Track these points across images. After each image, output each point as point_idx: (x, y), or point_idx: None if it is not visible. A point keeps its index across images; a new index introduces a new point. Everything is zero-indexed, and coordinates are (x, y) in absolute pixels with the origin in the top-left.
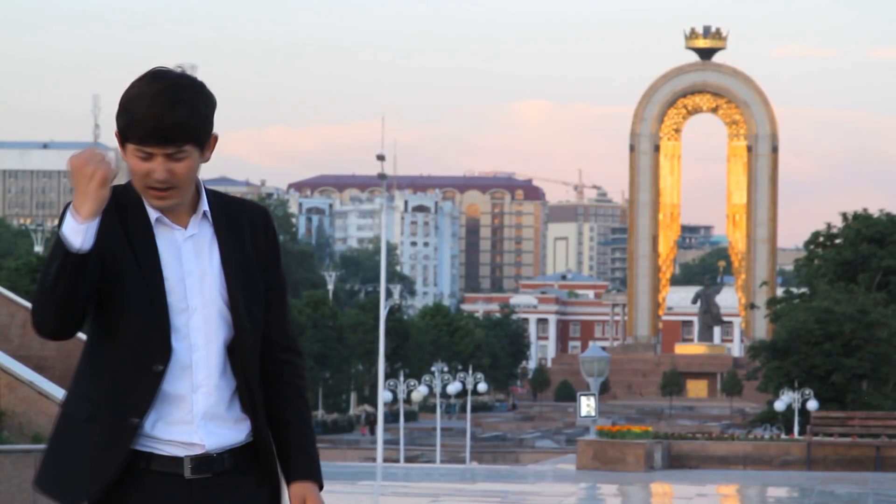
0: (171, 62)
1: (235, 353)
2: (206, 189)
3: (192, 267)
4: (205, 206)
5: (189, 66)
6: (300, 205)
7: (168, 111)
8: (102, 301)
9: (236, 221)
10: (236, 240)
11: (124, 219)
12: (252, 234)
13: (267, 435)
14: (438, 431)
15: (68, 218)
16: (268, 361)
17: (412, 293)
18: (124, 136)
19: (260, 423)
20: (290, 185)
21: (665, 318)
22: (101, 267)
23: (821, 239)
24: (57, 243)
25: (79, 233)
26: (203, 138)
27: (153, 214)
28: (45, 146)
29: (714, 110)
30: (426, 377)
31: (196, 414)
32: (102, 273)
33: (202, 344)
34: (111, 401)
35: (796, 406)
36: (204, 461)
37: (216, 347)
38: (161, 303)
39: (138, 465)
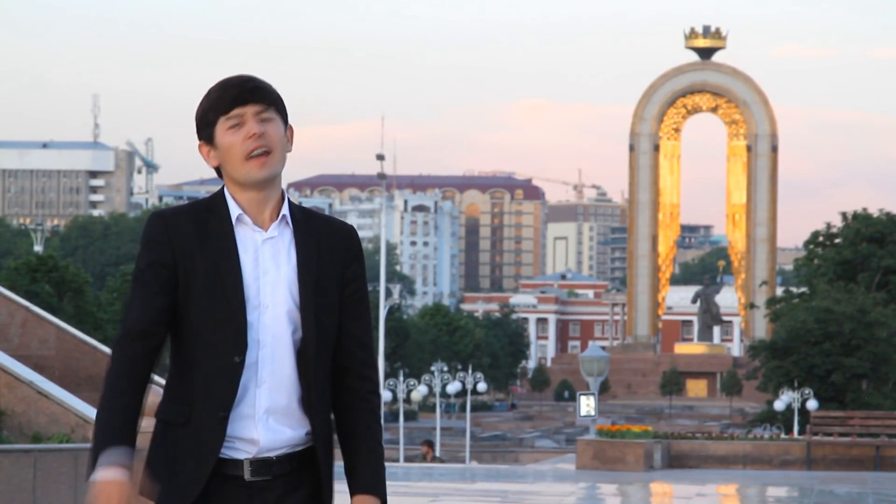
0: (170, 63)
1: (301, 357)
2: (290, 202)
3: (267, 266)
4: (286, 211)
5: None
6: (300, 204)
7: (248, 79)
8: (182, 304)
9: (317, 233)
10: (313, 249)
11: (206, 219)
12: (332, 248)
13: (325, 440)
14: (438, 431)
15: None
16: (346, 374)
17: (412, 293)
18: (211, 121)
19: (318, 426)
20: (290, 185)
21: (665, 317)
22: (176, 279)
23: (820, 239)
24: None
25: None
26: (283, 112)
27: (234, 212)
28: (45, 146)
29: (714, 110)
30: (426, 377)
31: (259, 408)
32: (178, 285)
33: (269, 341)
34: (202, 399)
35: (796, 406)
36: (263, 464)
37: (283, 346)
38: (237, 297)
39: None
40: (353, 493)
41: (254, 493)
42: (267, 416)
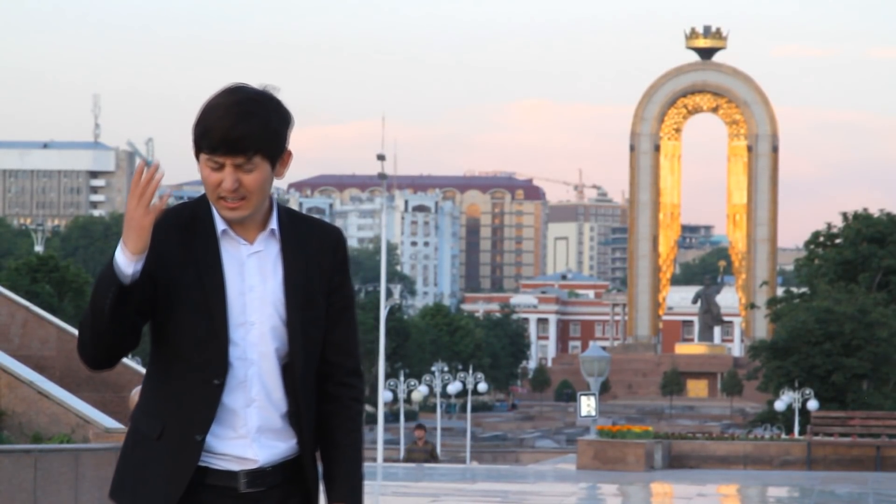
0: (170, 63)
1: (288, 371)
2: (279, 206)
3: (253, 282)
4: (274, 223)
5: (273, 87)
6: (300, 204)
7: (238, 122)
8: (162, 316)
9: (304, 241)
10: (301, 260)
11: (192, 230)
12: (320, 256)
13: (311, 450)
14: (439, 431)
15: (119, 250)
16: (329, 382)
17: (412, 293)
18: (198, 145)
19: (306, 438)
20: (291, 185)
21: (665, 317)
22: (155, 286)
23: (821, 239)
24: (110, 274)
25: (129, 265)
26: (273, 153)
27: (220, 226)
28: (45, 146)
29: (714, 110)
30: (426, 377)
31: (250, 429)
32: (157, 291)
33: (257, 359)
34: (177, 417)
35: (796, 406)
36: (257, 475)
37: (271, 363)
38: (221, 316)
39: (194, 478)
40: (330, 502)
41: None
42: (259, 434)
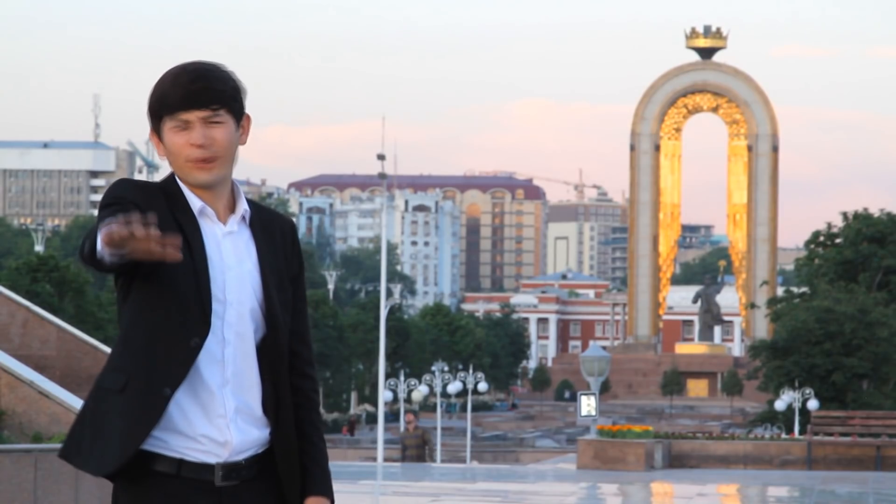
0: (170, 63)
1: (265, 354)
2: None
3: (231, 262)
4: (244, 207)
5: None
6: (300, 204)
7: (198, 77)
8: (147, 274)
9: (269, 228)
10: (270, 246)
11: (172, 207)
12: (283, 243)
13: (287, 441)
14: (439, 431)
15: (100, 245)
16: (291, 373)
17: (412, 293)
18: (157, 114)
19: (280, 427)
20: (291, 185)
21: (665, 317)
22: None
23: (821, 238)
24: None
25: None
26: (237, 109)
27: (196, 205)
28: (45, 146)
29: (714, 110)
30: (426, 377)
31: (228, 409)
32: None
33: (233, 339)
34: (145, 371)
35: (797, 406)
36: (233, 468)
37: (247, 345)
38: (205, 280)
39: (168, 471)
40: (303, 494)
41: (223, 498)
42: (236, 415)
